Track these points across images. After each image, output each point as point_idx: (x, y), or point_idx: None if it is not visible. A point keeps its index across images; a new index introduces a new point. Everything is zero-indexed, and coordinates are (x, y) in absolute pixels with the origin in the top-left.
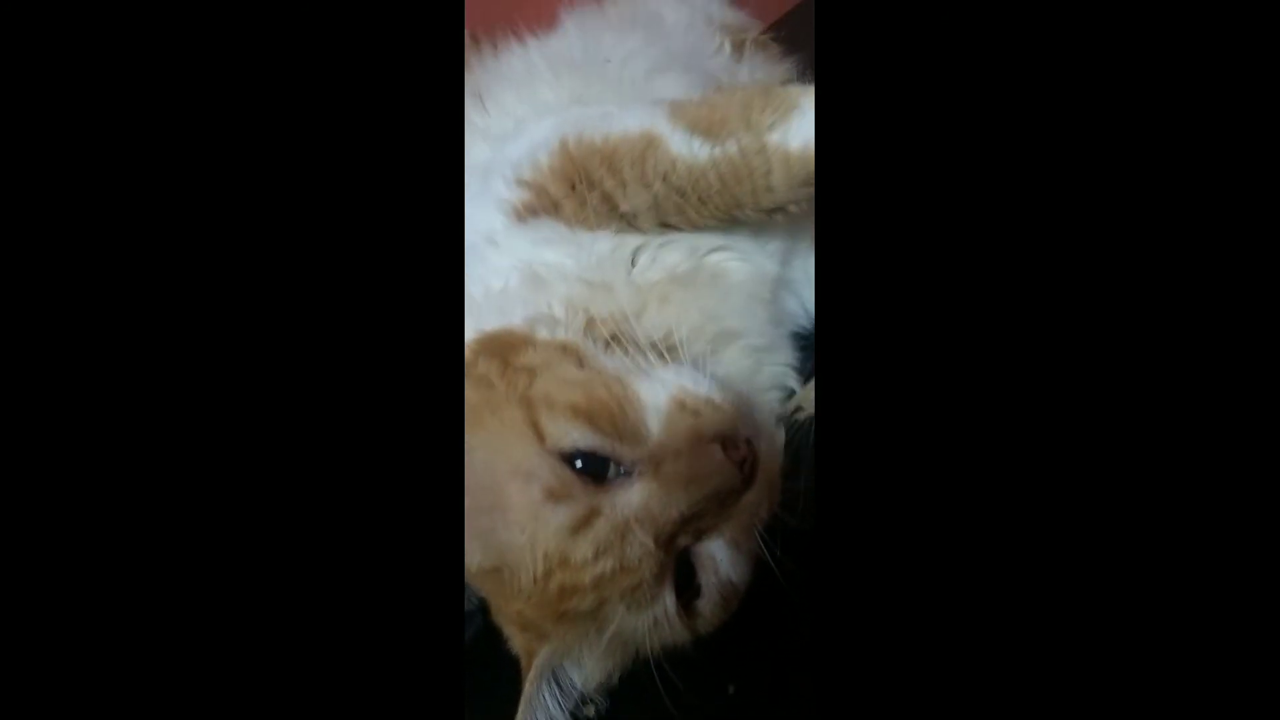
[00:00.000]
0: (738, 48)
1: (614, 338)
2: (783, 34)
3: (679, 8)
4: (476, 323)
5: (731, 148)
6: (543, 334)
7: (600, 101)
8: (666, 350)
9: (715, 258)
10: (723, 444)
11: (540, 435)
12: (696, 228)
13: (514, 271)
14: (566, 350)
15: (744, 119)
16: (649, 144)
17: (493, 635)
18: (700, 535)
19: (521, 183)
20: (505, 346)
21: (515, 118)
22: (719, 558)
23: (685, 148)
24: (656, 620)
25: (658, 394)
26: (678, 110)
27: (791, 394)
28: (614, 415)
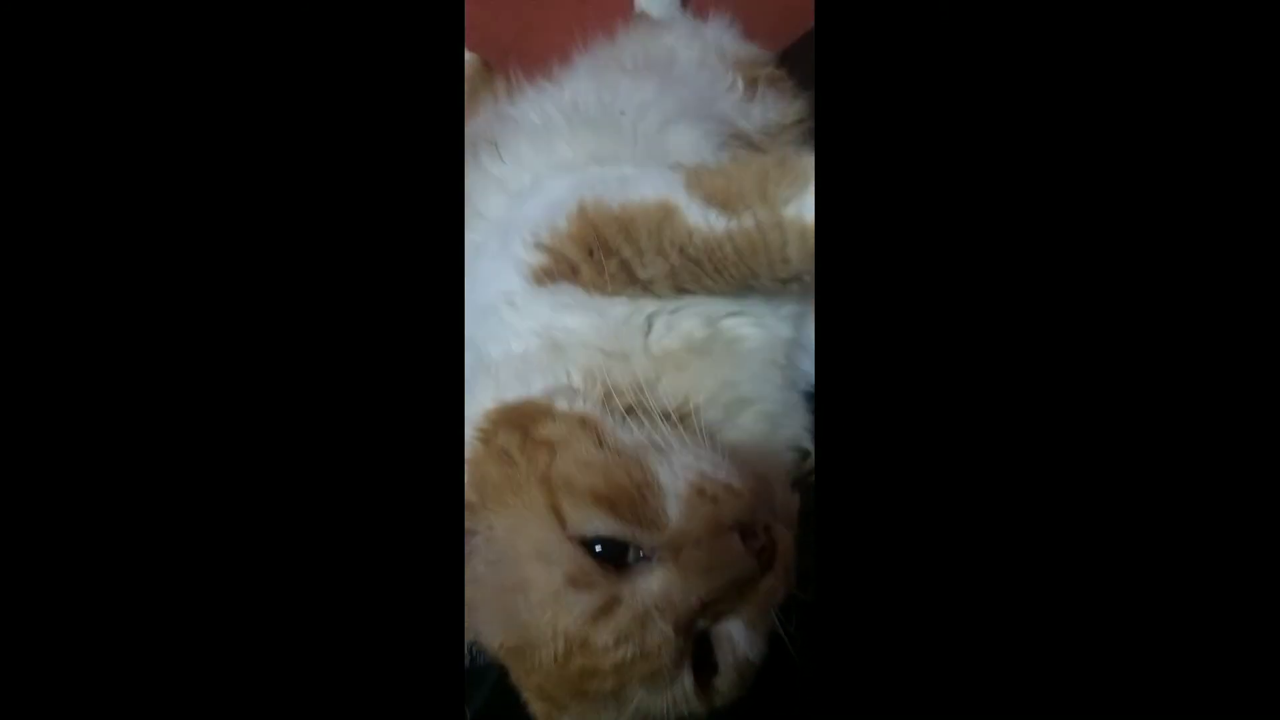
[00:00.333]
0: (750, 85)
1: (630, 409)
2: (794, 65)
3: (691, 43)
4: (496, 387)
5: (748, 221)
6: (562, 405)
7: (616, 158)
8: (682, 419)
9: (730, 323)
10: (741, 533)
11: (561, 520)
12: (712, 293)
13: (534, 336)
14: (585, 424)
15: (760, 192)
16: (666, 214)
17: (508, 695)
18: (718, 618)
19: (540, 246)
20: (525, 418)
21: (532, 171)
22: (736, 638)
23: (701, 219)
24: (675, 699)
25: (677, 479)
26: (694, 180)
27: (807, 455)
28: (634, 502)
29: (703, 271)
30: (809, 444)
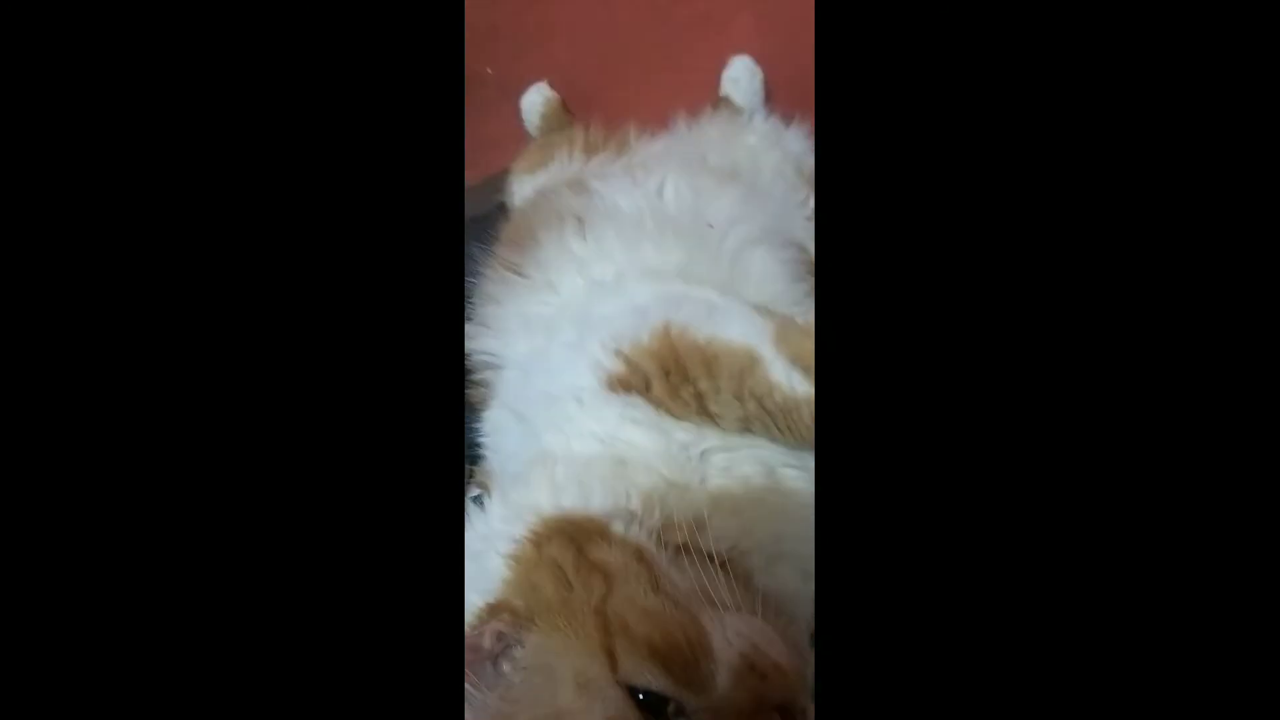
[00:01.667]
0: None
1: (684, 548)
2: None
3: (771, 150)
4: (553, 488)
5: None
6: (618, 529)
7: (701, 277)
8: (730, 563)
9: (787, 473)
10: (781, 713)
11: (613, 664)
12: (776, 441)
13: (595, 440)
14: (641, 560)
15: None
16: (751, 363)
17: None
18: None
19: (619, 354)
20: (582, 534)
21: (616, 265)
22: None
23: (785, 378)
24: None
25: (729, 647)
26: (783, 335)
27: None
28: (687, 663)
29: (775, 425)
30: None
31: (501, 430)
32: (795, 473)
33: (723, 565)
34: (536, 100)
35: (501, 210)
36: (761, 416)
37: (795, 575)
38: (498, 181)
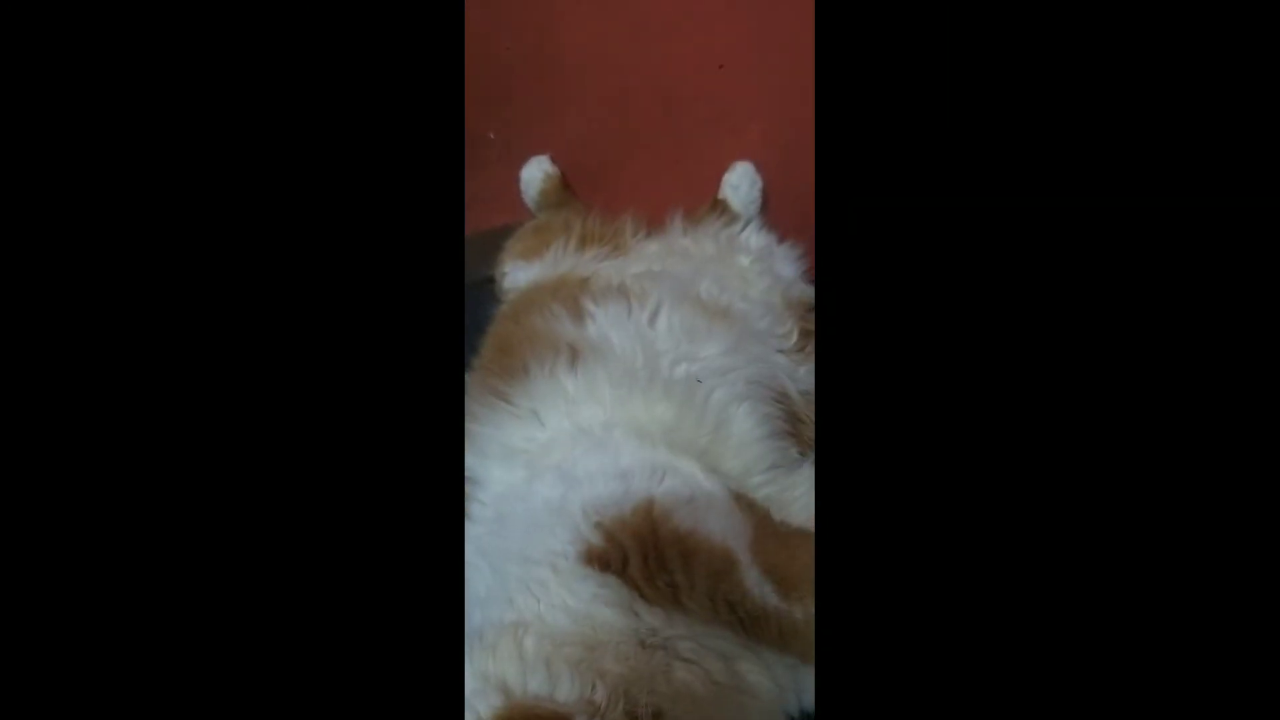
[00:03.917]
0: (803, 336)
1: None
2: None
3: (762, 276)
4: (520, 665)
5: (798, 613)
6: None
7: (688, 442)
8: None
9: (745, 668)
10: None
11: None
12: (740, 637)
13: (566, 615)
14: None
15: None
16: (727, 566)
17: None
18: None
19: (600, 527)
20: None
21: (605, 411)
22: None
23: (757, 589)
24: None
25: None
26: (759, 545)
27: None
28: None
29: (742, 627)
30: None
31: (470, 566)
32: (750, 667)
33: None
34: (536, 175)
35: (490, 285)
36: (732, 619)
37: None
38: (487, 248)
